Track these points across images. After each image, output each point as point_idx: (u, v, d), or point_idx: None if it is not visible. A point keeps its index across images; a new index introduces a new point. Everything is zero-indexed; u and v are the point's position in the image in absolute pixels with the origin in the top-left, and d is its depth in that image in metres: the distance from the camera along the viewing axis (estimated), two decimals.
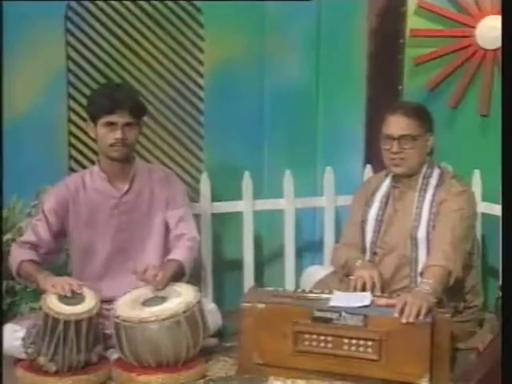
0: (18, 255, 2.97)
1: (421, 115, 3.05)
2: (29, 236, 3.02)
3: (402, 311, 2.63)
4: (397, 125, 3.00)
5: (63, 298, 2.77)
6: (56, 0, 3.37)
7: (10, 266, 2.99)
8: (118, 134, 2.94)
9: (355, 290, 2.87)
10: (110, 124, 2.94)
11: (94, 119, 2.99)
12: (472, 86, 3.57)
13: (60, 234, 3.07)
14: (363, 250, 3.12)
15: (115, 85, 3.14)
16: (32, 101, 3.38)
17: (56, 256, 3.12)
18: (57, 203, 3.04)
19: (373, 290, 2.85)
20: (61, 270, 3.13)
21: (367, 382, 2.68)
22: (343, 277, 3.07)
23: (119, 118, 2.94)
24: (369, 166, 3.67)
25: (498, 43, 3.35)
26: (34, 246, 2.99)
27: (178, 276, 2.95)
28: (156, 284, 2.86)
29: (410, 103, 3.23)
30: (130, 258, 3.06)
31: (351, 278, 2.95)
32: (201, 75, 3.63)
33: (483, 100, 3.54)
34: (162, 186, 3.12)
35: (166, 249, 3.09)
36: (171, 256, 3.01)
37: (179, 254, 3.01)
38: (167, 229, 3.11)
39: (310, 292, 2.94)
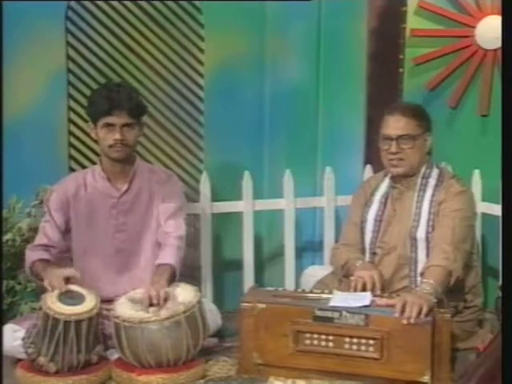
0: (29, 258, 2.99)
1: (418, 115, 3.05)
2: (40, 239, 3.03)
3: (402, 311, 2.63)
4: (395, 125, 3.01)
5: (63, 298, 2.76)
6: (56, 0, 3.37)
7: (26, 270, 3.02)
8: (117, 135, 2.94)
9: (355, 290, 2.86)
10: (109, 125, 2.94)
11: (94, 121, 2.99)
12: (472, 86, 3.57)
13: (68, 232, 3.07)
14: (363, 251, 3.12)
15: (114, 85, 3.10)
16: (32, 101, 3.37)
17: (70, 253, 3.10)
18: (60, 202, 3.05)
19: (373, 291, 2.85)
20: None
21: (369, 380, 2.68)
22: (343, 277, 3.08)
23: (117, 119, 2.93)
24: (369, 166, 3.67)
25: (498, 43, 3.35)
26: (46, 248, 3.00)
27: (170, 281, 2.93)
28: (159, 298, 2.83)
29: (407, 103, 3.23)
30: (129, 258, 3.07)
31: (351, 278, 2.94)
32: (201, 75, 3.62)
33: (483, 100, 3.54)
34: (160, 185, 3.11)
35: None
36: (163, 259, 2.98)
37: (170, 257, 2.98)
38: None
39: (310, 292, 2.94)
